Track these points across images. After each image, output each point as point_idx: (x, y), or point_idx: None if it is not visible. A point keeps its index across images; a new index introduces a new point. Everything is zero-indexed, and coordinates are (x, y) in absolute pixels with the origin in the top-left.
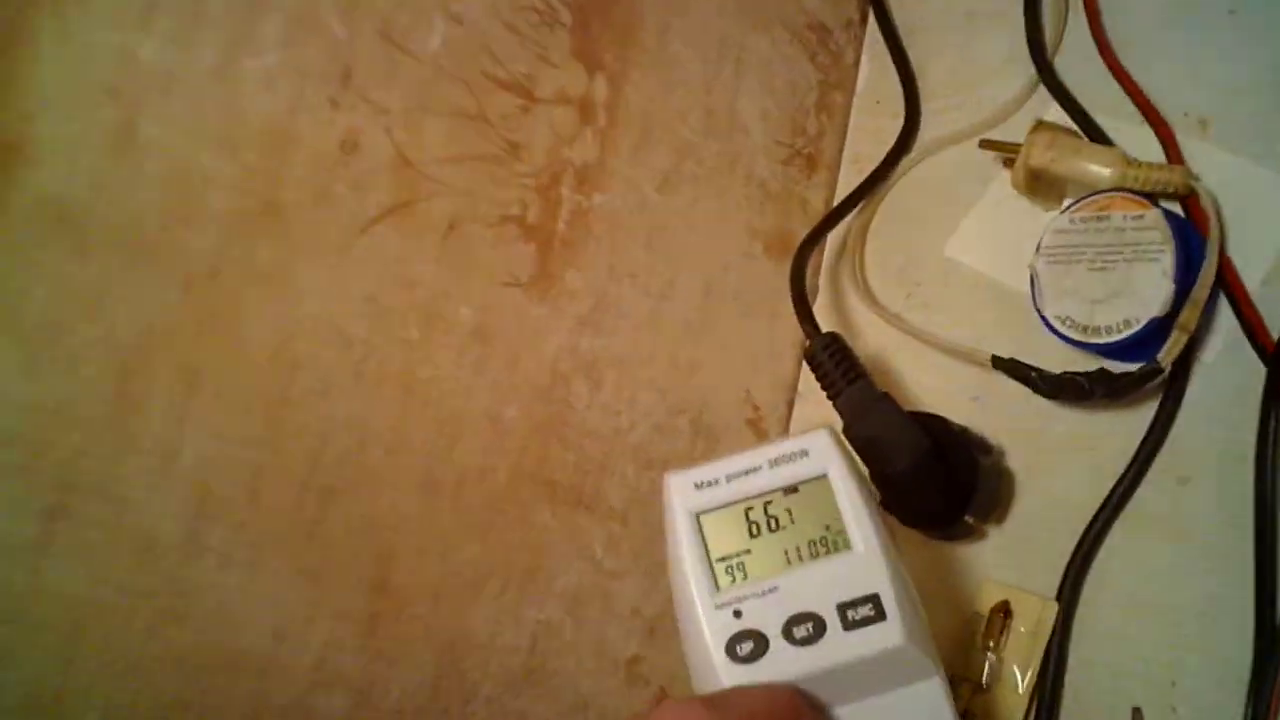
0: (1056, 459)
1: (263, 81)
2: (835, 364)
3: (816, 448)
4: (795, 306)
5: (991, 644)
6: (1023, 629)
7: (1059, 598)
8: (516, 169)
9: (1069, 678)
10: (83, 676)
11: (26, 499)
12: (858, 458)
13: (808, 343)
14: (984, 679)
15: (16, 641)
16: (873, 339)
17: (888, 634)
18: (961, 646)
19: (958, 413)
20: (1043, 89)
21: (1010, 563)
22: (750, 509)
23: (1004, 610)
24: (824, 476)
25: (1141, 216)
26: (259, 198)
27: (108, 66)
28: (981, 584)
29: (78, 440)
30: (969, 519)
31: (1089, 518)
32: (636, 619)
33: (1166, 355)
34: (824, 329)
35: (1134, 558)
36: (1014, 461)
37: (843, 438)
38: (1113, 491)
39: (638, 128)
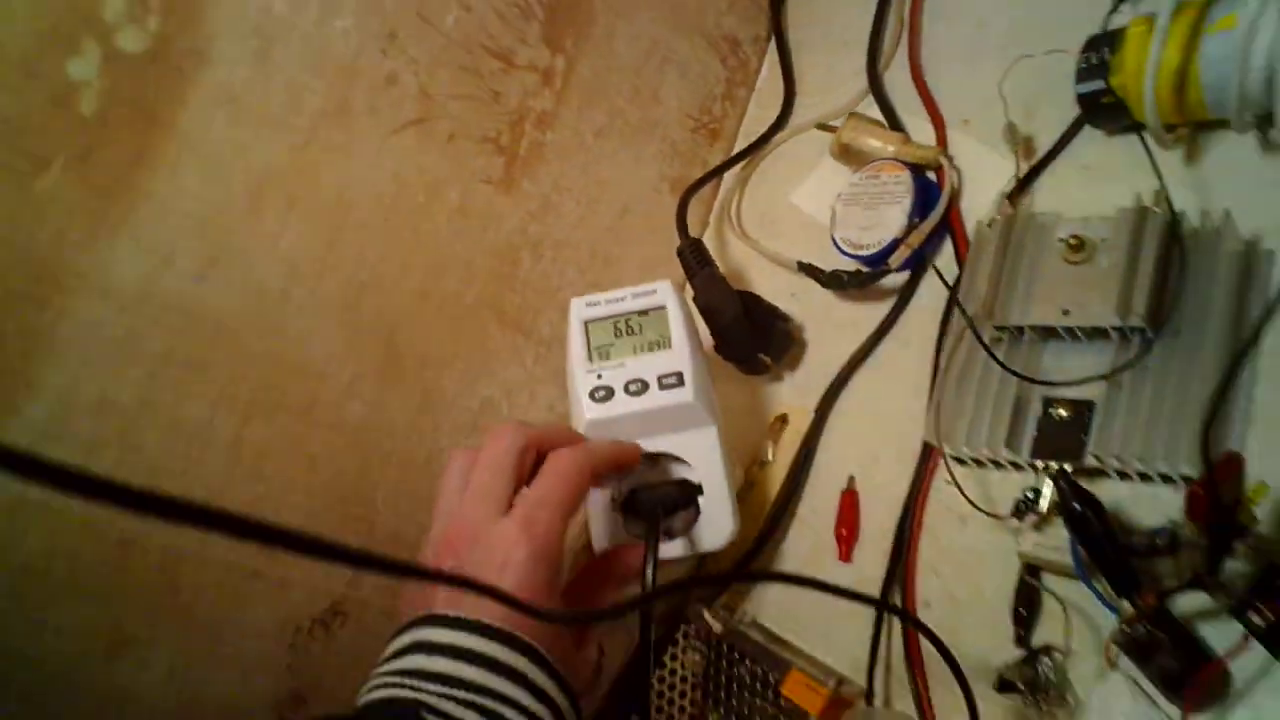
0: (833, 330)
1: (341, 36)
2: (694, 258)
3: (662, 290)
4: (676, 221)
5: (773, 439)
6: (793, 428)
7: (817, 410)
8: (496, 109)
9: (817, 459)
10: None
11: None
12: (697, 310)
13: (679, 243)
14: (766, 458)
15: None
16: (738, 256)
17: (684, 394)
18: (757, 440)
19: (780, 301)
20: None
21: (795, 392)
22: (617, 321)
23: (783, 418)
24: (664, 307)
25: (899, 177)
26: (338, 102)
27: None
28: (774, 404)
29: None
30: (766, 359)
31: (844, 364)
32: (551, 413)
33: (895, 260)
34: (696, 238)
35: (866, 390)
36: (809, 333)
37: (679, 290)
38: (861, 349)
39: (584, 93)
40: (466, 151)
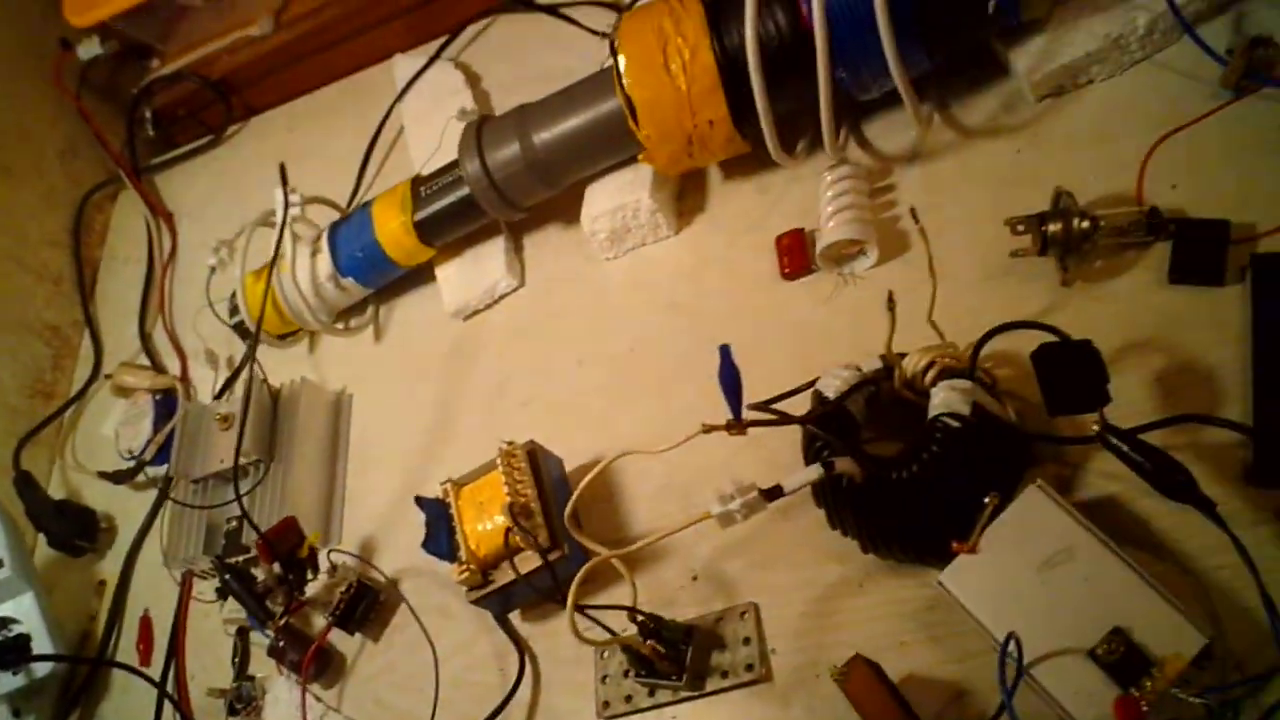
0: (133, 511)
1: None
2: (24, 486)
3: None
4: (13, 462)
5: (98, 597)
6: (109, 589)
7: (122, 570)
8: None
9: (128, 604)
10: None
11: None
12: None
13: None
14: (94, 611)
15: None
16: (74, 479)
17: (4, 572)
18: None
19: (99, 503)
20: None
21: (111, 562)
22: None
23: (102, 583)
24: None
25: (146, 399)
26: None
27: None
28: (96, 575)
29: None
30: (85, 544)
31: (136, 535)
32: None
33: (148, 454)
34: (25, 471)
35: (152, 550)
36: (120, 520)
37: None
38: (144, 524)
39: None
40: None
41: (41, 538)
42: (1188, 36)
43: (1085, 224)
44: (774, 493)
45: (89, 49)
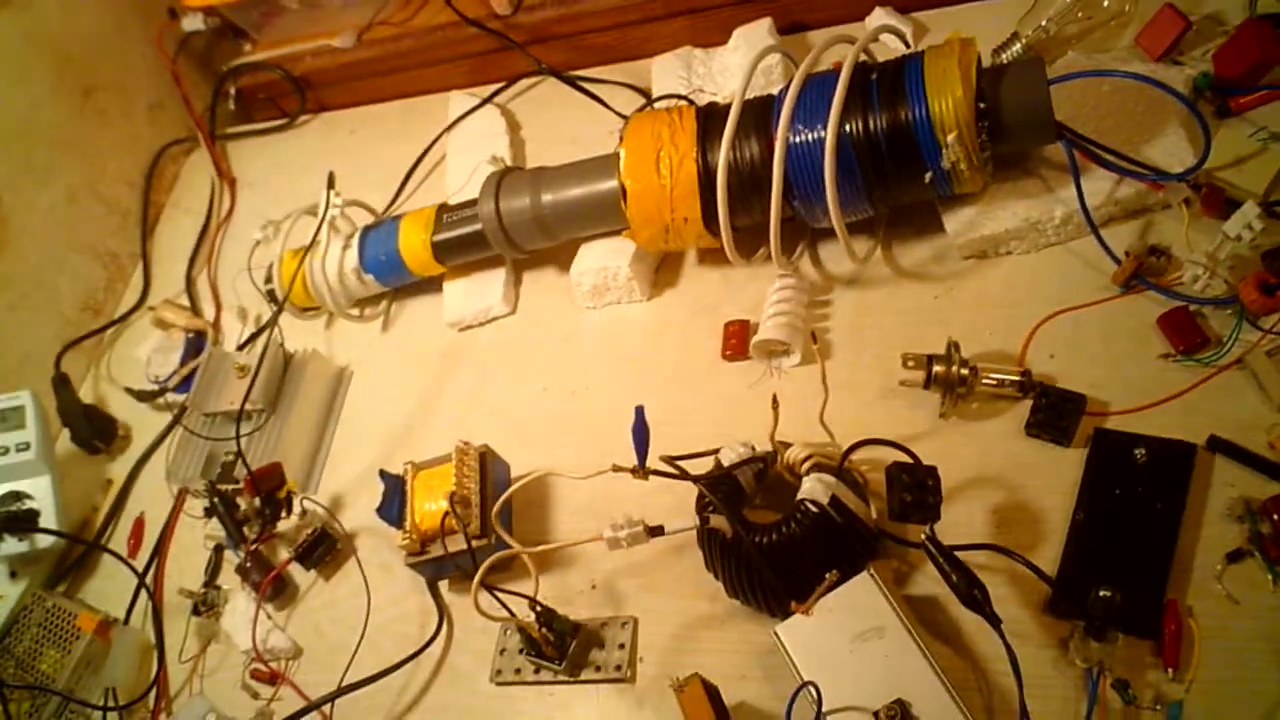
0: (150, 426)
1: None
2: (60, 386)
3: (22, 395)
4: (55, 367)
5: (102, 494)
6: (114, 488)
7: (130, 475)
8: None
9: (129, 505)
10: None
11: None
12: (59, 417)
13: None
14: (97, 505)
15: None
16: (103, 388)
17: (30, 453)
18: (94, 494)
19: (122, 413)
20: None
21: (121, 466)
22: None
23: (110, 481)
24: (23, 405)
25: (181, 336)
26: None
27: None
28: (106, 474)
29: None
30: (100, 445)
31: (148, 448)
32: None
33: (172, 382)
34: (64, 373)
35: (161, 462)
36: (136, 430)
37: (34, 396)
38: (160, 435)
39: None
40: None
41: (66, 432)
42: None
43: (965, 371)
44: (656, 531)
45: (192, 23)
